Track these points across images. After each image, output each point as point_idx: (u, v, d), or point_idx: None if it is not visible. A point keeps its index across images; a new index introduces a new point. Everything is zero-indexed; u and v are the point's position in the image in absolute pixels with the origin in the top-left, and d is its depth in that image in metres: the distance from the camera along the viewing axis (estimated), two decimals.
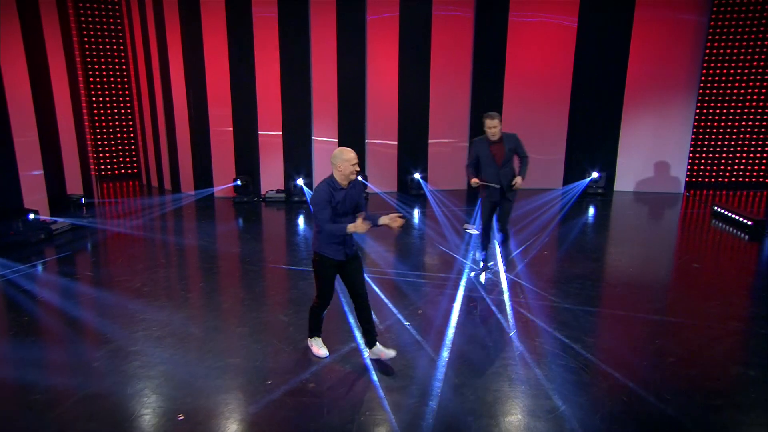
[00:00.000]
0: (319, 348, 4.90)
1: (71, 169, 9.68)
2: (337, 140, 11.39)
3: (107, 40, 12.69)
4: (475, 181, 6.34)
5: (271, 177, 11.41)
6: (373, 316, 4.80)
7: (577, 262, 7.39)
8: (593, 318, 5.68)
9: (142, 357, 4.83)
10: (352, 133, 11.46)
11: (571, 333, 5.24)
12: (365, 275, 4.87)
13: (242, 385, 4.44)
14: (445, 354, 4.87)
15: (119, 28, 12.71)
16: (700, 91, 11.43)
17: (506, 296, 6.20)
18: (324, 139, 11.38)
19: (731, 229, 9.02)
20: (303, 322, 5.24)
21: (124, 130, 13.33)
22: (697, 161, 11.99)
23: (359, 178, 4.55)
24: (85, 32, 12.41)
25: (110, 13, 12.60)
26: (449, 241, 8.28)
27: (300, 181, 10.90)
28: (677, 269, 7.53)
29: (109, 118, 13.11)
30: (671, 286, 6.91)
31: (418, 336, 5.22)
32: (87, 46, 12.49)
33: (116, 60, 12.90)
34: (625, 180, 11.85)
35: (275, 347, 5.04)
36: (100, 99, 12.93)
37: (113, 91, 13.03)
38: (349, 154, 4.39)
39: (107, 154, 13.22)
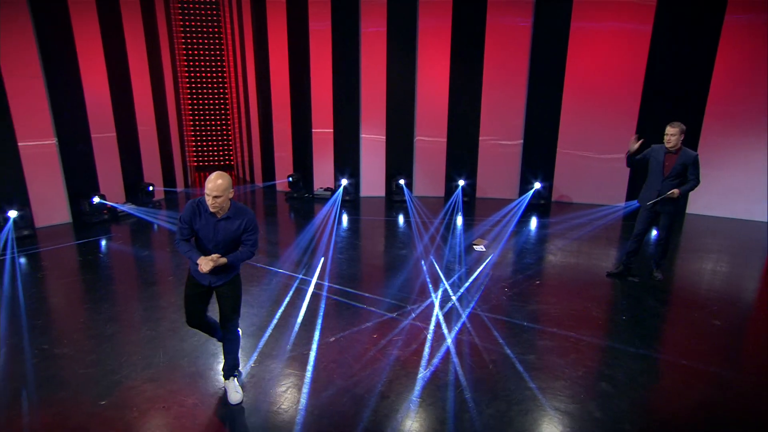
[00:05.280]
0: (231, 392, 3.96)
1: (150, 161, 10.23)
2: (384, 137, 10.73)
3: (211, 44, 13.23)
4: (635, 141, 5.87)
5: (324, 174, 11.09)
6: (238, 351, 4.10)
7: (571, 301, 5.89)
8: (518, 390, 4.21)
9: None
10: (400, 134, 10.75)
11: (481, 398, 4.02)
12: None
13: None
14: (309, 409, 3.98)
15: (219, 32, 13.17)
16: None
17: (452, 332, 5.06)
18: (372, 136, 10.77)
19: None
20: (208, 350, 4.70)
21: (228, 125, 13.91)
22: None
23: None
24: (190, 36, 13.05)
25: (212, 18, 13.05)
26: (443, 260, 7.13)
27: (344, 181, 10.43)
28: (688, 323, 5.40)
29: (212, 114, 13.76)
30: (654, 348, 4.95)
31: (307, 375, 4.32)
32: (191, 50, 13.13)
33: (218, 62, 13.43)
34: (699, 202, 9.52)
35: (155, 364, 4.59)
36: (205, 97, 13.60)
37: (216, 91, 13.63)
38: (208, 184, 3.52)
39: (210, 147, 13.94)
